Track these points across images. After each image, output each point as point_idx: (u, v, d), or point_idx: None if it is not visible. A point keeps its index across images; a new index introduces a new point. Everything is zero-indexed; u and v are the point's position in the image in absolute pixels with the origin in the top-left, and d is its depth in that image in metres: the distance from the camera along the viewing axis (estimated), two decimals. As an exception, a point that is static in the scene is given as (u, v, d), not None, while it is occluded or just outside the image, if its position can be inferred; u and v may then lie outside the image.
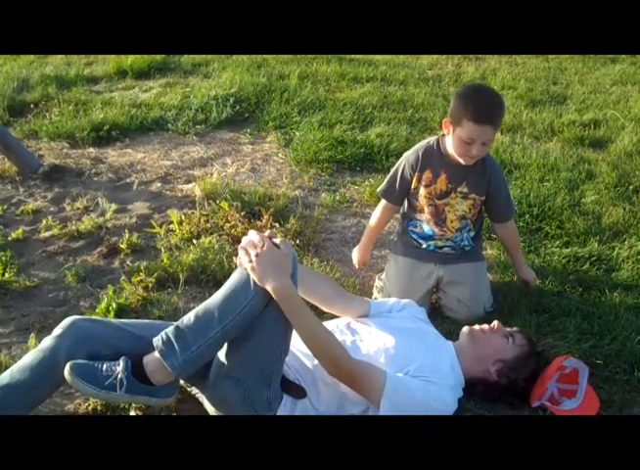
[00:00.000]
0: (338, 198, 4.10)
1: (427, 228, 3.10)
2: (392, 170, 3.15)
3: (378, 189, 3.25)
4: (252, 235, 2.32)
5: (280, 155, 4.72)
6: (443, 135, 2.98)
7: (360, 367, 2.32)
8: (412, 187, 3.05)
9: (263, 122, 5.17)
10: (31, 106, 5.34)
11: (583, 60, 6.84)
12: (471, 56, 6.82)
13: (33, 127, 5.00)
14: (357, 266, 3.32)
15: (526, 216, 3.83)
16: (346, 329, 2.65)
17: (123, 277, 3.26)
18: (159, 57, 6.35)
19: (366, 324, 2.66)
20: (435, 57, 6.81)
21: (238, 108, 5.31)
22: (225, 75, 5.91)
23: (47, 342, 2.27)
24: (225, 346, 2.25)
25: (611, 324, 3.02)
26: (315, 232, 3.71)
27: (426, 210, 3.06)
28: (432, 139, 3.05)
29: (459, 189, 2.99)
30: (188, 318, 2.22)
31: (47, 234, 3.66)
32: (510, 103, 5.52)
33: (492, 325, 2.67)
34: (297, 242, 3.56)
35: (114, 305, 2.99)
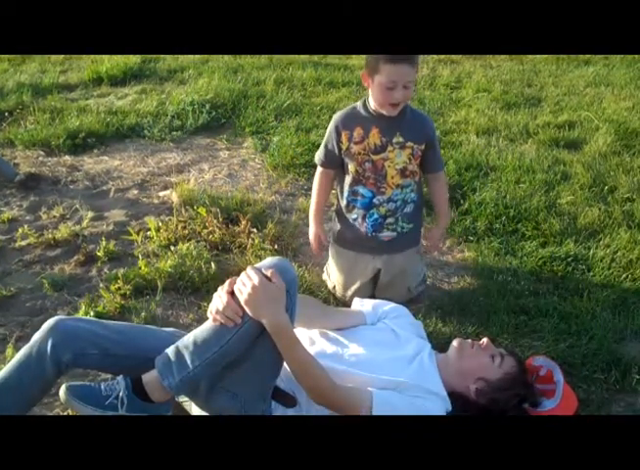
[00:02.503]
0: (315, 202, 4.10)
1: (365, 191, 3.04)
2: (325, 137, 3.10)
3: (315, 157, 3.18)
4: (247, 270, 2.29)
5: (257, 160, 4.72)
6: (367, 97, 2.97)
7: (346, 395, 2.30)
8: (344, 148, 3.00)
9: (240, 128, 5.16)
10: (6, 114, 5.30)
11: (557, 62, 6.90)
12: (446, 60, 6.86)
13: (8, 136, 4.95)
14: (316, 249, 3.27)
15: (503, 218, 3.85)
16: (329, 339, 2.64)
17: (101, 285, 3.25)
18: (134, 64, 6.33)
19: (353, 335, 2.65)
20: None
21: (214, 114, 5.30)
22: (201, 81, 5.90)
23: (32, 342, 2.26)
24: (225, 362, 2.24)
25: (588, 324, 3.05)
26: (293, 237, 3.71)
27: (365, 167, 3.00)
28: (357, 102, 3.04)
29: (394, 140, 2.94)
30: (187, 338, 2.23)
31: (23, 243, 3.64)
32: (485, 105, 5.55)
33: (482, 342, 2.63)
34: (276, 247, 3.56)
35: (92, 314, 2.99)
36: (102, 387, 2.17)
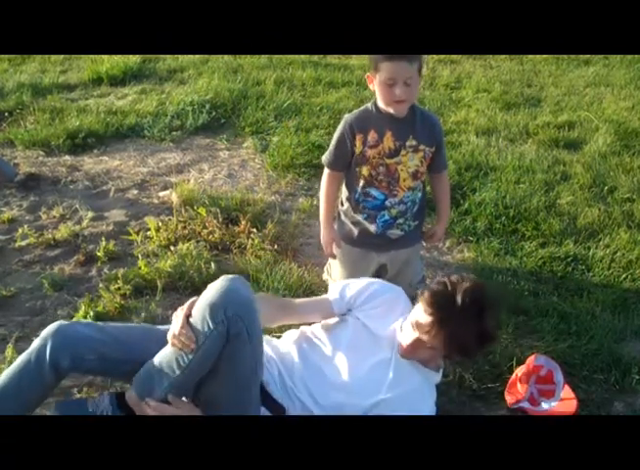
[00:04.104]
0: (315, 202, 4.08)
1: (377, 193, 3.02)
2: (335, 137, 3.06)
3: (323, 159, 3.10)
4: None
5: (257, 160, 4.72)
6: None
7: None
8: (357, 152, 2.96)
9: (240, 128, 5.16)
10: (6, 114, 5.30)
11: (557, 62, 6.90)
12: (446, 60, 6.86)
13: (8, 136, 4.94)
14: (330, 252, 3.16)
15: (503, 218, 3.86)
16: (309, 363, 2.54)
17: (101, 285, 3.25)
18: (134, 63, 6.32)
19: (332, 346, 2.57)
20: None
21: (214, 114, 5.30)
22: (201, 81, 5.90)
23: (31, 348, 2.27)
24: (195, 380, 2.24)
25: (588, 324, 3.06)
26: (293, 237, 3.71)
27: (378, 171, 2.97)
28: (368, 103, 3.02)
29: (407, 143, 2.93)
30: (156, 358, 2.23)
31: (23, 243, 3.64)
32: (485, 106, 5.56)
33: (408, 342, 2.44)
34: (276, 247, 3.56)
35: (92, 314, 2.99)
36: (88, 404, 2.23)
